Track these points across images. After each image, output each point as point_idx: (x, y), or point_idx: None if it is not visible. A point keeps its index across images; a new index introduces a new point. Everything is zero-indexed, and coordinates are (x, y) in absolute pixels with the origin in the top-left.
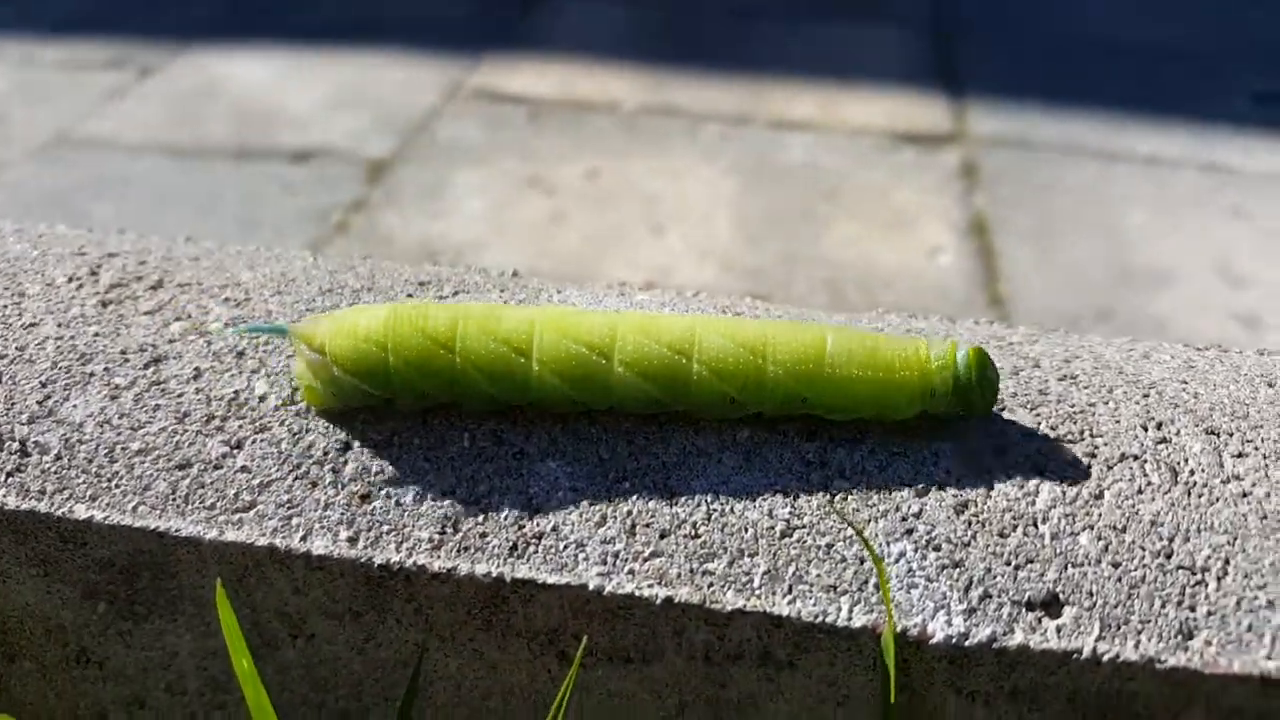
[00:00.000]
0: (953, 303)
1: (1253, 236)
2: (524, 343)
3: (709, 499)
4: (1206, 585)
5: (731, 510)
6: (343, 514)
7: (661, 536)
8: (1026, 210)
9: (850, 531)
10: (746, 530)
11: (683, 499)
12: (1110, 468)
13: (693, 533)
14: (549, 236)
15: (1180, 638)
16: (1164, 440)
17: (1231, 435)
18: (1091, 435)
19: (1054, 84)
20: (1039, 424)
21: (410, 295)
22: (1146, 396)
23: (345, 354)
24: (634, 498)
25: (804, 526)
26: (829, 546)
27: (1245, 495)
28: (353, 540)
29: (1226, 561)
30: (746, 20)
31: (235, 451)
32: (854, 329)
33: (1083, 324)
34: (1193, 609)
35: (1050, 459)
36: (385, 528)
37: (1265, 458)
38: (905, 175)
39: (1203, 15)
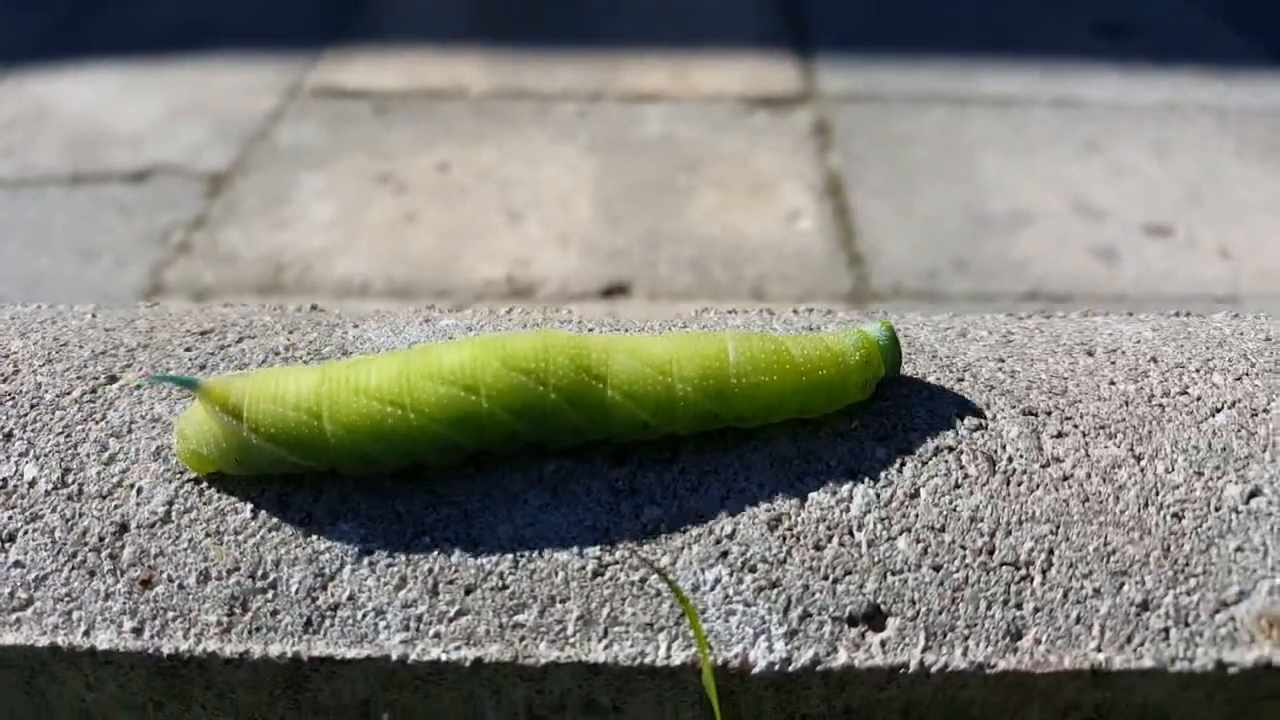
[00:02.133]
0: (814, 268)
1: (1105, 169)
2: (470, 381)
3: (516, 544)
4: (1032, 580)
5: (540, 554)
6: (125, 603)
7: (467, 592)
8: (881, 165)
9: (664, 563)
10: (557, 574)
11: (488, 547)
12: (925, 463)
13: (500, 584)
14: (402, 238)
15: (1009, 639)
16: (980, 427)
17: (1050, 414)
18: (905, 430)
19: (901, 33)
20: (851, 422)
21: (189, 349)
22: (961, 381)
23: (268, 422)
24: (435, 553)
25: (616, 562)
26: (642, 581)
27: (1066, 479)
28: (137, 631)
29: (1050, 552)
30: None
31: (7, 545)
32: (756, 334)
33: (942, 276)
34: (1019, 607)
35: (863, 460)
36: (170, 614)
37: (1085, 435)
38: (761, 140)
39: None
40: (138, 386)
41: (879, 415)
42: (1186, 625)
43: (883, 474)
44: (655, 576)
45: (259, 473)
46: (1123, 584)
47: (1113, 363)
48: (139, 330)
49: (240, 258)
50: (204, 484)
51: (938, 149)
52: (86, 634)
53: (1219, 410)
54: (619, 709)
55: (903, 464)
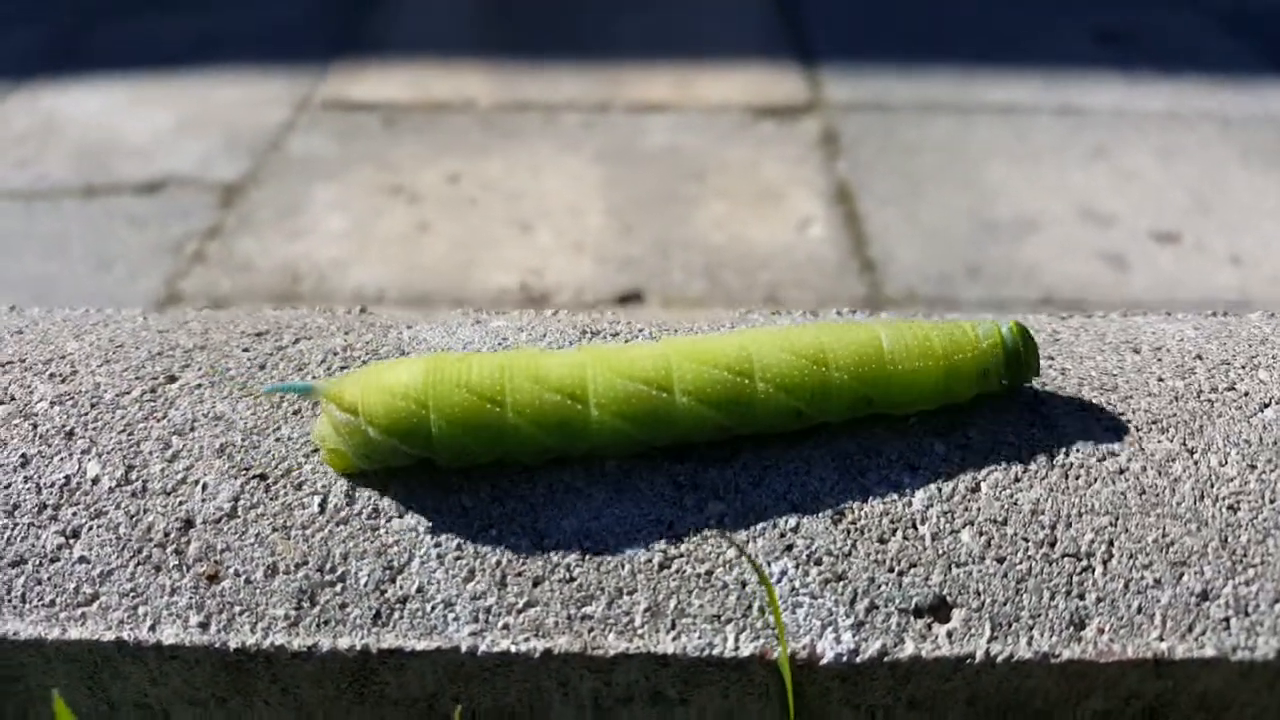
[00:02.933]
0: (827, 274)
1: (1112, 175)
2: (578, 387)
3: (581, 537)
4: (1093, 571)
5: (606, 547)
6: (191, 598)
7: (535, 584)
8: (889, 173)
9: (730, 555)
10: (623, 566)
11: (554, 540)
12: (984, 457)
13: (567, 576)
14: (415, 248)
15: (1072, 629)
16: (1035, 423)
17: (1103, 410)
18: (963, 426)
19: (905, 43)
20: (908, 418)
21: (246, 349)
22: None
23: (380, 413)
24: (502, 546)
25: (681, 555)
26: (709, 574)
27: (1122, 472)
28: (204, 625)
29: (1111, 544)
30: (591, 1)
31: (72, 541)
32: (900, 321)
33: (955, 281)
34: (1082, 597)
35: (923, 455)
36: (237, 609)
37: (1138, 430)
38: (767, 149)
39: None
40: (231, 386)
41: (935, 413)
42: (1247, 615)
43: (943, 468)
44: (720, 570)
45: (387, 465)
46: (1182, 574)
47: (1159, 360)
48: (193, 332)
49: (256, 267)
50: (270, 480)
51: (944, 157)
52: (153, 629)
53: (1267, 405)
54: (685, 701)
55: (963, 459)
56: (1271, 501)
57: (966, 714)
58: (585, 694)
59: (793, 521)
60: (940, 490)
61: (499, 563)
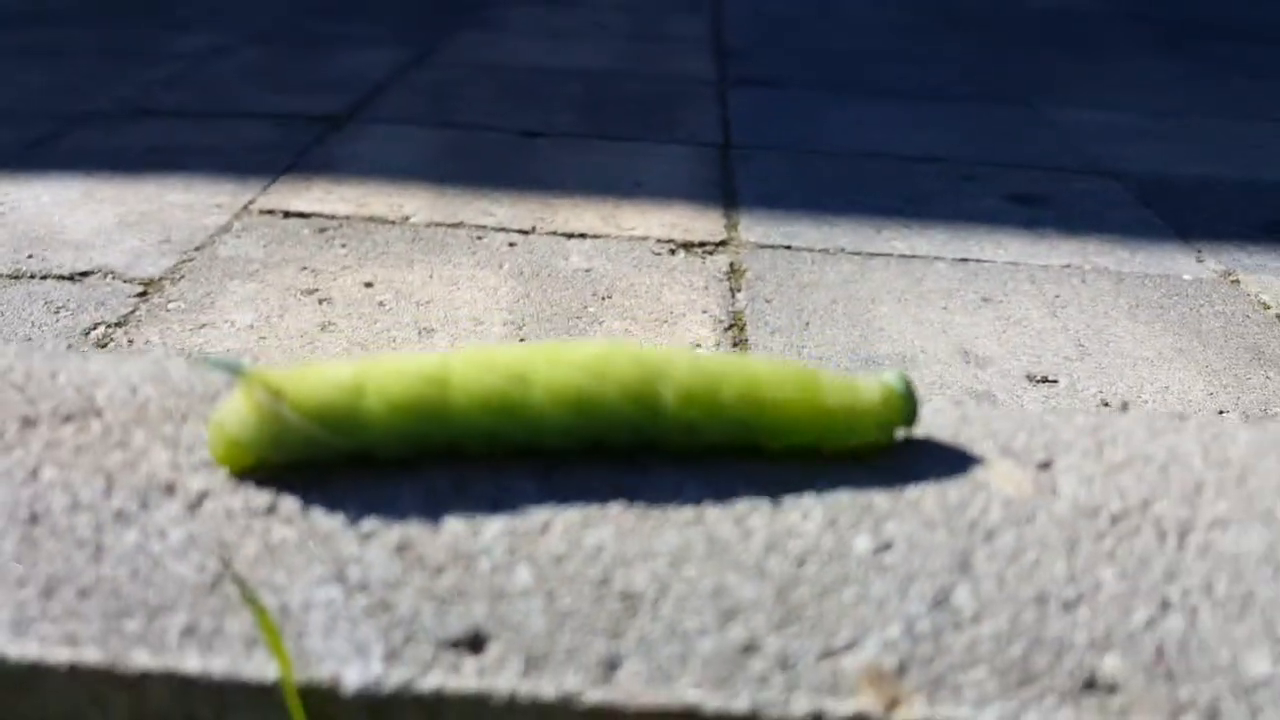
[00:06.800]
0: None
1: (995, 322)
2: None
3: (138, 554)
4: (639, 613)
5: (162, 565)
6: None
7: (81, 596)
8: (783, 307)
9: (279, 579)
10: (170, 585)
11: (114, 554)
12: (566, 500)
13: (114, 590)
14: (314, 344)
15: (604, 669)
16: (631, 470)
17: (703, 461)
18: (563, 467)
19: (824, 196)
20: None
21: None
22: None
23: (308, 394)
24: (62, 557)
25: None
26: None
27: (699, 521)
28: None
29: (665, 586)
30: (539, 142)
31: None
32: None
33: None
34: (622, 638)
35: (508, 491)
36: None
37: (732, 484)
38: (675, 277)
39: (955, 130)
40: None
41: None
42: (786, 669)
43: (525, 505)
44: (267, 591)
45: (296, 459)
46: (730, 624)
47: None
48: None
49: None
50: None
51: (837, 296)
52: None
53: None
54: None
55: (548, 498)
56: (841, 557)
57: None
58: (122, 712)
59: (356, 550)
60: (514, 526)
61: (53, 573)
